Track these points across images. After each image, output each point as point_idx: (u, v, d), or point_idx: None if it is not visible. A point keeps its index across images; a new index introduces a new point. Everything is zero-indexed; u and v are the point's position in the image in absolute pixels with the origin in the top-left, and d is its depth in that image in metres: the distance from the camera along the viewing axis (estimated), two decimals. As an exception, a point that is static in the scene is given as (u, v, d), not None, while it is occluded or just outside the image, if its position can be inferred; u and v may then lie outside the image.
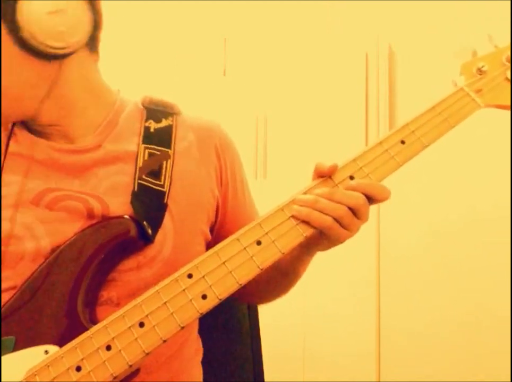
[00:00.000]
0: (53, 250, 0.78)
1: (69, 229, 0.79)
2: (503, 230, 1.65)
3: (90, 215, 0.80)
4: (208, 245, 0.90)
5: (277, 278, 0.91)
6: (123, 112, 0.90)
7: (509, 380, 1.58)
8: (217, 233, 0.92)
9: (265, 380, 1.10)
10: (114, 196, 0.82)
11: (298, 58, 2.36)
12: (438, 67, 1.87)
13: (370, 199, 0.75)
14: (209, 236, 0.90)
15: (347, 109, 2.14)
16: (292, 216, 0.74)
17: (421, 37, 1.93)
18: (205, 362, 0.94)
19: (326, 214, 0.73)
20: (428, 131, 0.79)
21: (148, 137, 0.87)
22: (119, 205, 0.81)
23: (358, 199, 0.74)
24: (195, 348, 0.91)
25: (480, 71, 0.83)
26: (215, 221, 0.92)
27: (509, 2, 1.60)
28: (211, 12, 2.70)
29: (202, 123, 0.94)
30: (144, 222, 0.79)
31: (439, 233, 1.83)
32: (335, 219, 0.74)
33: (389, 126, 1.98)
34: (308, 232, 0.74)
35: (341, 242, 0.77)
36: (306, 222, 0.74)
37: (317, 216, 0.73)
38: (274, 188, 2.36)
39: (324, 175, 0.77)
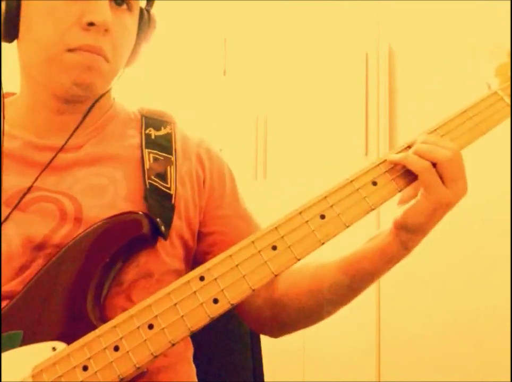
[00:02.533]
0: (24, 252, 0.78)
1: (41, 231, 0.79)
2: (503, 230, 1.65)
3: (63, 216, 0.80)
4: (191, 252, 0.90)
5: (352, 288, 0.86)
6: (113, 119, 0.91)
7: (509, 380, 1.58)
8: (207, 241, 0.91)
9: (265, 380, 1.10)
10: (89, 197, 0.82)
11: (298, 58, 2.36)
12: (438, 67, 1.87)
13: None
14: (190, 243, 0.90)
15: (347, 109, 2.14)
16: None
17: (422, 37, 1.93)
18: (205, 362, 0.94)
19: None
20: (458, 137, 0.75)
21: (150, 143, 0.89)
22: (93, 206, 0.81)
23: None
24: (183, 345, 0.90)
25: None
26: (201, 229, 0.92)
27: (509, 2, 1.60)
28: (211, 12, 2.70)
29: (188, 134, 0.95)
30: (158, 219, 0.79)
31: (439, 233, 1.82)
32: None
33: (388, 126, 1.98)
34: (326, 238, 0.72)
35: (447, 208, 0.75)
36: (325, 225, 0.72)
37: (415, 159, 0.73)
38: (274, 189, 2.36)
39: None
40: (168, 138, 0.91)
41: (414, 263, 1.88)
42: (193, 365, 0.92)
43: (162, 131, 0.91)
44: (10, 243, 0.78)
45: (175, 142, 0.90)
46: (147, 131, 0.90)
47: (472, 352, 1.71)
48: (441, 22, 1.87)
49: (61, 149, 0.85)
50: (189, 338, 0.93)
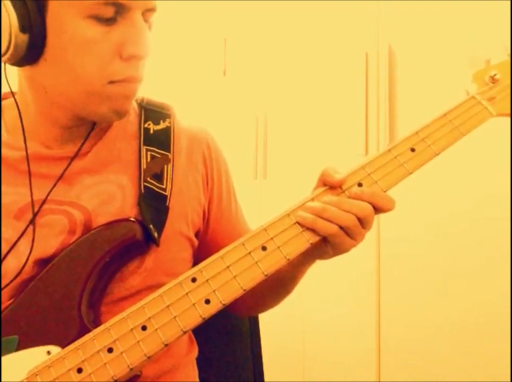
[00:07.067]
0: (34, 266, 0.78)
1: (51, 244, 0.78)
2: (503, 230, 1.65)
3: (73, 228, 0.79)
4: (194, 251, 0.90)
5: (274, 287, 0.90)
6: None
7: (509, 380, 1.58)
8: (200, 240, 0.92)
9: (265, 380, 1.10)
10: (98, 205, 0.81)
11: (298, 58, 2.36)
12: (438, 67, 1.87)
13: (375, 209, 0.75)
14: (195, 242, 0.90)
15: (347, 109, 2.14)
16: (298, 223, 0.74)
17: (422, 37, 1.93)
18: (205, 362, 0.94)
19: (333, 222, 0.73)
20: (439, 139, 0.78)
21: (149, 139, 0.87)
22: (102, 214, 0.81)
23: (366, 209, 0.74)
24: (186, 346, 0.90)
25: (493, 79, 0.82)
26: (201, 227, 0.92)
27: (509, 2, 1.60)
28: (211, 12, 2.70)
29: (192, 129, 0.93)
30: (150, 225, 0.79)
31: (439, 233, 1.83)
32: (342, 228, 0.73)
33: (388, 126, 1.98)
34: (314, 239, 0.74)
35: (346, 251, 0.77)
36: (311, 229, 0.74)
37: (322, 224, 0.73)
38: (274, 188, 2.36)
39: (332, 186, 0.76)
40: (167, 132, 0.89)
41: (414, 264, 1.88)
42: (196, 367, 0.92)
43: (161, 125, 0.89)
44: (21, 259, 0.77)
45: (173, 137, 0.89)
46: (146, 125, 0.89)
47: (472, 352, 1.71)
48: (440, 22, 1.87)
49: (73, 159, 0.83)
50: (194, 340, 0.93)
